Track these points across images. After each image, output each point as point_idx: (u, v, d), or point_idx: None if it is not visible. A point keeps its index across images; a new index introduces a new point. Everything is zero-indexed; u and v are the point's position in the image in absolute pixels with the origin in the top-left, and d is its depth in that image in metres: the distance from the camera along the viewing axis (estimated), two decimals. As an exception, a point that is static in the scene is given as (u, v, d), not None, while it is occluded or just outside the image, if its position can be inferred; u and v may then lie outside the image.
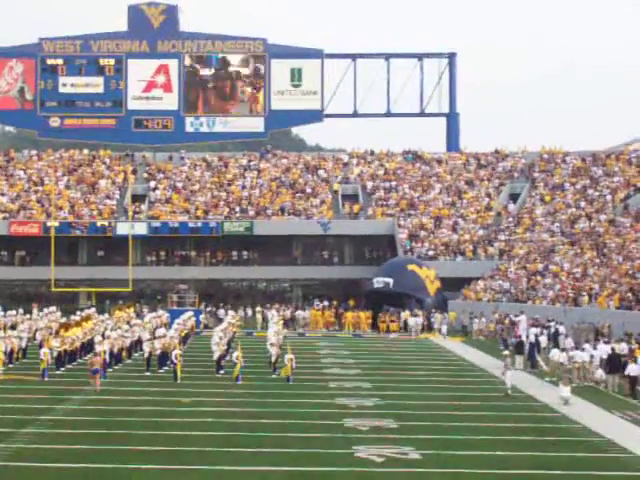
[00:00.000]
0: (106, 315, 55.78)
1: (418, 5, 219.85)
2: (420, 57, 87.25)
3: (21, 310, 58.06)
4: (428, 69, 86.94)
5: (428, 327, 62.40)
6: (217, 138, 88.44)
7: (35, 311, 59.70)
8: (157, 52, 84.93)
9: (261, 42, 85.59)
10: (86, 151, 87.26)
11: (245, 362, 38.89)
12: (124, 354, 43.56)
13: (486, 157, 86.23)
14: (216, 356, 40.43)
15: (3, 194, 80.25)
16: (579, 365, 38.17)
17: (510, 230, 75.49)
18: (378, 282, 65.96)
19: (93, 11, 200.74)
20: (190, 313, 56.84)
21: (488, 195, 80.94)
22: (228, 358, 41.31)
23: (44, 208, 77.66)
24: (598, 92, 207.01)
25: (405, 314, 63.32)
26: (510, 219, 77.40)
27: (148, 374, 39.62)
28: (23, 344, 44.39)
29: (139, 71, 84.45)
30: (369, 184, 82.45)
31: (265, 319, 63.29)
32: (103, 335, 43.76)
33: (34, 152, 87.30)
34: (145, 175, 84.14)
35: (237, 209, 79.03)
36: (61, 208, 77.64)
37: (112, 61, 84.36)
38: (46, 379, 37.41)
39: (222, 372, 39.69)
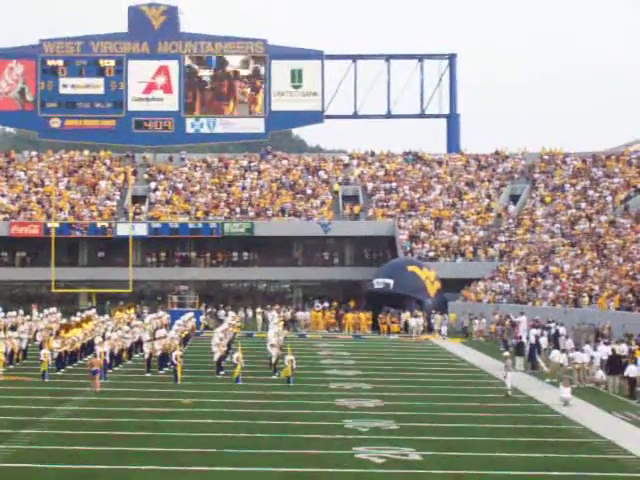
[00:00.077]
0: (106, 316, 55.75)
1: (418, 6, 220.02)
2: (420, 58, 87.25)
3: (21, 311, 58.04)
4: (428, 70, 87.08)
5: (428, 328, 62.39)
6: (217, 139, 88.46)
7: (35, 312, 59.69)
8: (157, 53, 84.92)
9: (261, 43, 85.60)
10: (86, 152, 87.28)
11: (245, 363, 38.90)
12: (124, 355, 43.57)
13: (486, 158, 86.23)
14: (216, 357, 40.43)
15: (3, 195, 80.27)
16: (579, 366, 38.17)
17: (510, 231, 75.49)
18: (378, 283, 65.93)
19: (93, 12, 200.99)
20: (190, 314, 56.82)
21: (488, 196, 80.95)
22: (228, 359, 41.31)
23: (44, 209, 77.67)
24: (598, 93, 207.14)
25: (405, 315, 63.32)
26: (510, 220, 77.39)
27: (148, 375, 39.62)
28: (23, 345, 44.39)
29: (139, 72, 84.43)
30: (369, 185, 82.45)
31: (265, 320, 63.26)
32: (103, 336, 43.77)
33: (34, 153, 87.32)
34: (145, 176, 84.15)
35: (237, 210, 79.03)
36: (61, 209, 77.65)
37: (112, 62, 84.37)
38: (46, 380, 37.42)
39: (222, 373, 39.70)
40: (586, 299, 53.58)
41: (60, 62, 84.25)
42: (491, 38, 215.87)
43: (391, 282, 65.12)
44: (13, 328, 49.90)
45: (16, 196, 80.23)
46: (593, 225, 69.49)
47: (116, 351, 41.80)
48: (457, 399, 34.25)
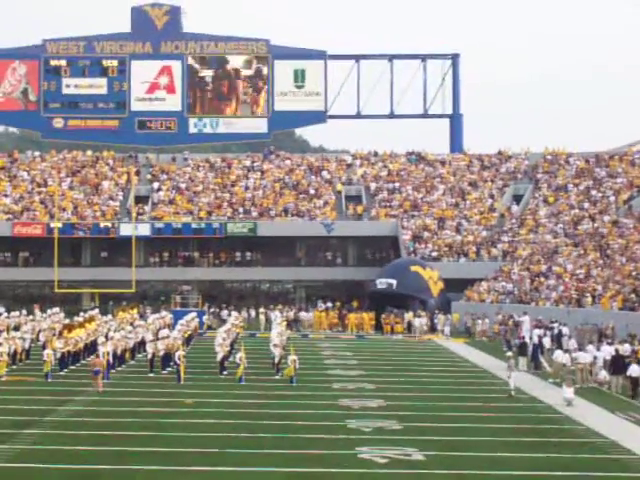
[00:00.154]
0: (109, 316, 55.73)
1: (421, 6, 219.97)
2: (423, 58, 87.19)
3: (24, 311, 58.05)
4: (431, 70, 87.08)
5: (431, 328, 62.37)
6: (220, 139, 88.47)
7: (37, 312, 59.68)
8: (160, 53, 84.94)
9: (264, 43, 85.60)
10: (89, 152, 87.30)
11: (248, 363, 38.89)
12: (127, 355, 43.53)
13: (489, 158, 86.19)
14: (219, 357, 40.42)
15: (6, 195, 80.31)
16: (582, 366, 38.12)
17: (513, 231, 75.45)
18: (381, 283, 65.89)
19: (96, 12, 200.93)
20: (193, 314, 56.82)
21: (491, 196, 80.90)
22: (231, 359, 41.26)
23: (47, 209, 77.71)
24: (601, 93, 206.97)
25: (408, 315, 63.30)
26: (513, 220, 77.36)
27: (151, 375, 39.61)
28: (26, 345, 44.38)
29: (142, 72, 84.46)
30: (372, 185, 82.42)
31: (268, 320, 63.27)
32: (106, 336, 43.79)
33: (37, 153, 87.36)
34: (148, 176, 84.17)
35: (240, 210, 79.02)
36: (64, 209, 77.68)
37: (115, 62, 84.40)
38: (49, 380, 37.42)
39: (225, 373, 39.68)
40: (589, 299, 53.57)
41: (63, 62, 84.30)
42: (494, 38, 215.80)
43: (394, 282, 65.08)
44: (16, 328, 49.91)
45: (19, 196, 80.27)
46: (596, 225, 69.45)
47: (119, 351, 41.76)
48: (460, 399, 34.23)
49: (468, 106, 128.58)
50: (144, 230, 74.77)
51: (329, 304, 69.21)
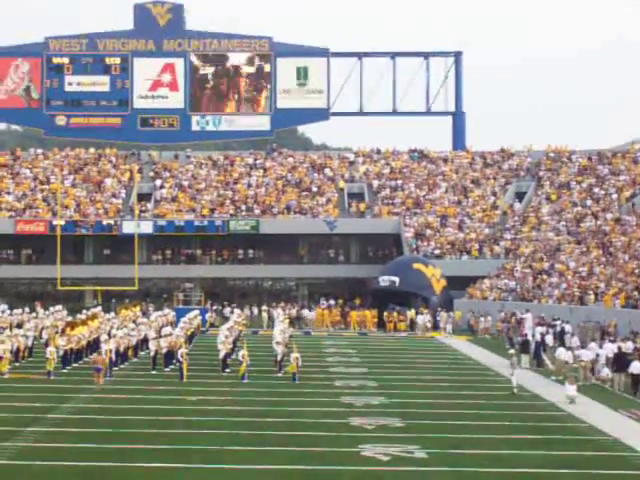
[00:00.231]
0: (112, 314, 55.79)
1: (424, 3, 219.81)
2: (426, 55, 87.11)
3: (27, 309, 58.12)
4: (434, 67, 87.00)
5: (434, 326, 62.39)
6: (223, 137, 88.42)
7: (39, 309, 59.72)
8: (163, 51, 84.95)
9: (267, 41, 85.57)
10: (92, 150, 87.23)
11: (251, 361, 38.89)
12: (130, 353, 43.56)
13: (492, 156, 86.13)
14: (222, 355, 40.43)
15: (9, 193, 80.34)
16: (585, 364, 38.12)
17: (516, 229, 75.42)
18: (384, 281, 65.92)
19: (99, 10, 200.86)
20: (196, 312, 56.86)
21: (494, 194, 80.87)
22: (234, 357, 41.32)
23: (50, 207, 77.72)
24: (603, 90, 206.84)
25: (411, 313, 63.31)
26: (516, 218, 77.32)
27: (154, 373, 39.63)
28: (29, 343, 44.41)
29: (145, 70, 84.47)
30: (375, 183, 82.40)
31: (271, 318, 63.28)
32: (109, 334, 43.78)
33: (40, 151, 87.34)
34: (151, 174, 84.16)
35: (243, 208, 79.00)
36: (67, 207, 77.70)
37: (118, 60, 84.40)
38: (52, 378, 37.45)
39: (228, 371, 39.70)
40: (592, 297, 53.54)
41: (66, 60, 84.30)
42: (497, 35, 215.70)
43: (397, 280, 65.11)
44: (19, 326, 49.96)
45: (22, 194, 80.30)
46: (599, 223, 69.40)
47: (122, 349, 41.79)
48: (463, 397, 34.23)
49: (471, 103, 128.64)
50: (147, 228, 74.74)
51: (332, 301, 69.25)
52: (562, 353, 39.14)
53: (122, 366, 41.09)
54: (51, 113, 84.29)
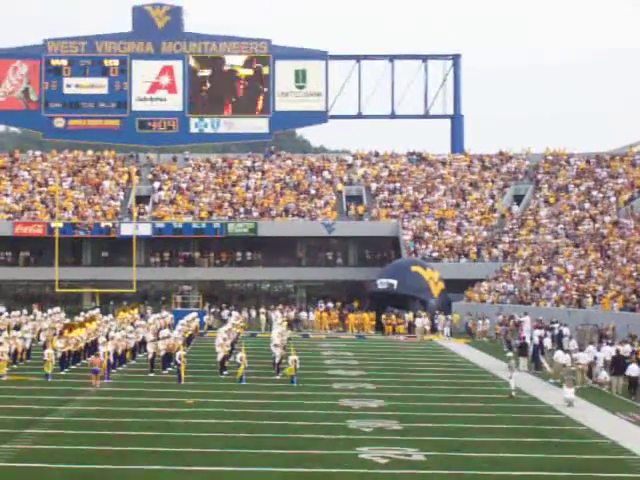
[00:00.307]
0: (110, 316, 55.72)
1: (423, 6, 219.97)
2: (424, 58, 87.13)
3: (25, 311, 58.07)
4: (432, 70, 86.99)
5: (432, 329, 62.38)
6: (221, 139, 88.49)
7: (37, 312, 59.68)
8: (161, 53, 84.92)
9: (265, 43, 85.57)
10: (90, 152, 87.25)
11: (249, 363, 38.90)
12: (128, 355, 43.53)
13: (490, 159, 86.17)
14: (220, 357, 40.44)
15: (7, 195, 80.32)
16: (583, 367, 38.12)
17: (514, 232, 75.45)
18: (382, 283, 65.90)
19: (97, 12, 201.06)
20: (194, 314, 56.84)
21: (492, 197, 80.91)
22: (232, 359, 41.30)
23: (48, 209, 77.71)
24: (602, 94, 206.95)
25: (409, 316, 63.32)
26: (514, 221, 77.35)
27: (152, 375, 39.62)
28: (27, 345, 44.37)
29: (143, 72, 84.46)
30: (373, 185, 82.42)
31: (269, 320, 63.25)
32: (107, 336, 43.76)
33: (38, 153, 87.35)
34: (149, 176, 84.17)
35: (241, 210, 79.01)
36: (65, 209, 77.70)
37: (116, 62, 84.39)
38: (50, 380, 37.43)
39: (226, 373, 39.70)
40: (590, 300, 53.55)
41: (64, 62, 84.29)
42: (495, 38, 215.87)
43: (395, 282, 65.11)
44: (17, 328, 49.93)
45: (20, 196, 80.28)
46: (597, 226, 69.44)
47: (120, 351, 41.74)
48: (461, 399, 34.23)
49: (469, 106, 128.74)
50: (145, 230, 74.77)
51: (330, 304, 69.22)
52: (560, 356, 39.16)
53: (120, 368, 41.07)
54: (49, 115, 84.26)
